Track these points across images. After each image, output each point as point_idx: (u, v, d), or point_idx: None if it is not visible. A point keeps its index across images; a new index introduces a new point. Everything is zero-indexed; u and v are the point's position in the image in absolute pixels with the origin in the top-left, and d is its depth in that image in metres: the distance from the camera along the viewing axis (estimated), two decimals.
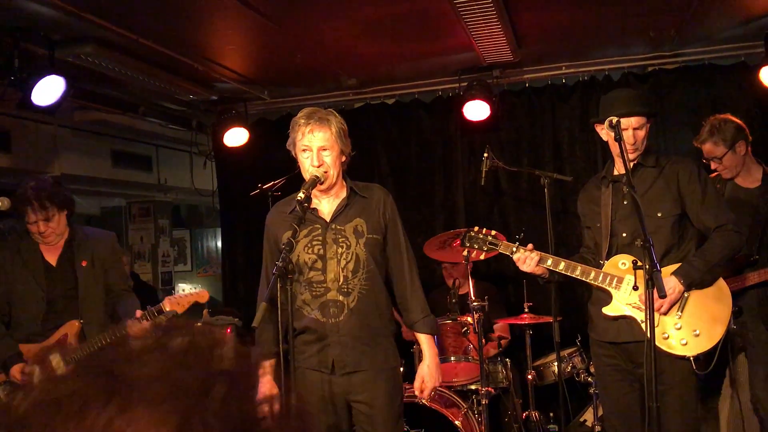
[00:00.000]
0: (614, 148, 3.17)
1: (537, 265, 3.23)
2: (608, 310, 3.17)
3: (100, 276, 3.73)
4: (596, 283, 3.18)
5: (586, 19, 4.53)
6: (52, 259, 3.68)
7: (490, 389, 4.15)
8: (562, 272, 3.19)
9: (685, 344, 3.03)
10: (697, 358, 3.03)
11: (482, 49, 4.78)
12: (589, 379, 4.45)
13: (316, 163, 2.88)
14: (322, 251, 2.93)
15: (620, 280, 3.14)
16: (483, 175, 4.70)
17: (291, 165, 5.20)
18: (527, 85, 5.53)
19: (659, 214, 3.14)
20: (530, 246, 3.30)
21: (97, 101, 5.44)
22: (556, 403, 4.44)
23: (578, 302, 5.33)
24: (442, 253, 4.56)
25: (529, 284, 4.62)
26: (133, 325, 3.54)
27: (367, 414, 2.90)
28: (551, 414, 4.84)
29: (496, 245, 3.38)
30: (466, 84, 5.30)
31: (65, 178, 6.34)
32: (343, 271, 2.90)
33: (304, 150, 2.92)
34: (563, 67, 5.40)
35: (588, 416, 4.67)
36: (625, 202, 3.22)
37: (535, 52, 5.11)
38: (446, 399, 4.25)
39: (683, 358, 3.04)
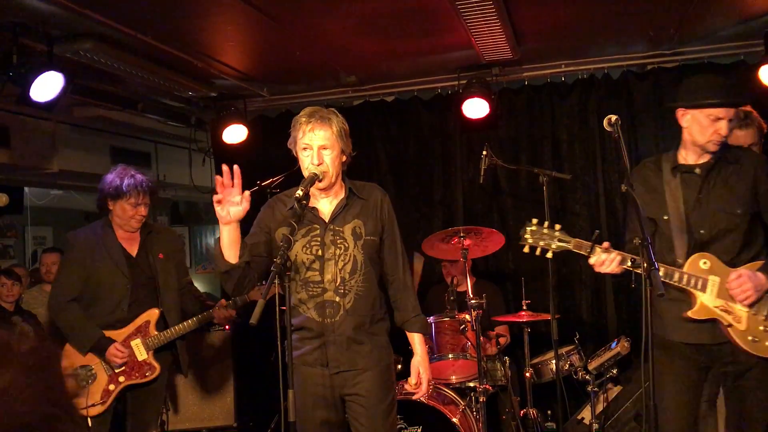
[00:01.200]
0: (702, 136, 3.02)
1: (618, 265, 3.00)
2: (694, 314, 3.02)
3: (173, 269, 3.99)
4: (680, 285, 3.02)
5: (586, 17, 4.53)
6: (132, 250, 3.89)
7: (487, 386, 4.16)
8: (639, 273, 2.91)
9: None
10: None
11: (481, 47, 4.77)
12: (586, 377, 4.46)
13: (316, 162, 2.88)
14: (320, 252, 2.95)
15: (705, 282, 3.01)
16: (482, 173, 4.70)
17: (290, 162, 5.19)
18: (526, 83, 5.53)
19: (739, 211, 3.02)
20: (606, 244, 3.03)
21: (96, 97, 5.43)
22: (554, 400, 4.45)
23: (576, 300, 5.35)
24: (441, 250, 4.56)
25: (527, 282, 4.62)
26: (219, 311, 3.95)
27: (361, 407, 2.94)
28: (549, 411, 4.85)
29: (567, 242, 3.06)
30: (465, 82, 5.29)
31: (64, 175, 6.36)
32: (340, 273, 2.94)
33: (304, 148, 2.92)
34: (563, 65, 5.39)
35: (585, 414, 4.68)
36: (700, 196, 3.05)
37: (534, 49, 5.10)
38: (444, 396, 4.25)
39: None
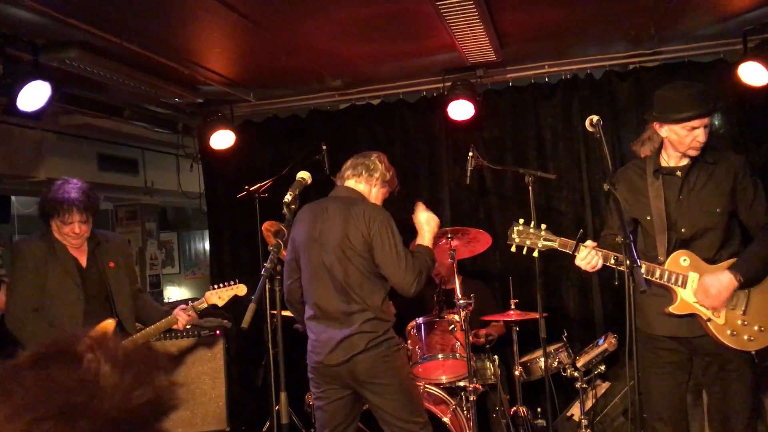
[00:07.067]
0: (682, 145, 3.14)
1: (602, 264, 3.13)
2: (675, 309, 3.14)
3: (125, 277, 3.91)
4: (662, 282, 3.13)
5: (568, 19, 4.58)
6: (82, 260, 3.78)
7: (477, 386, 4.20)
8: (623, 270, 3.00)
9: (752, 340, 3.11)
10: (758, 351, 3.17)
11: (465, 50, 4.82)
12: (575, 374, 4.51)
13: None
14: None
15: (685, 279, 3.12)
16: (468, 174, 4.74)
17: (276, 166, 5.24)
18: (510, 84, 5.58)
19: (717, 210, 3.14)
20: (592, 243, 3.16)
21: (83, 105, 5.43)
22: (544, 398, 4.50)
23: (563, 298, 5.40)
24: None
25: (515, 281, 4.67)
26: (180, 315, 3.92)
27: None
28: (539, 409, 4.89)
29: (553, 241, 3.20)
30: (450, 84, 5.33)
31: (51, 183, 6.34)
32: None
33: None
34: (546, 66, 5.45)
35: (575, 410, 4.73)
36: (681, 197, 3.18)
37: (517, 51, 5.15)
38: (435, 396, 4.29)
39: (748, 352, 3.14)
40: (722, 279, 3.07)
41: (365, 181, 3.60)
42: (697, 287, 3.11)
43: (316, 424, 3.53)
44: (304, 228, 3.51)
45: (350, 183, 3.60)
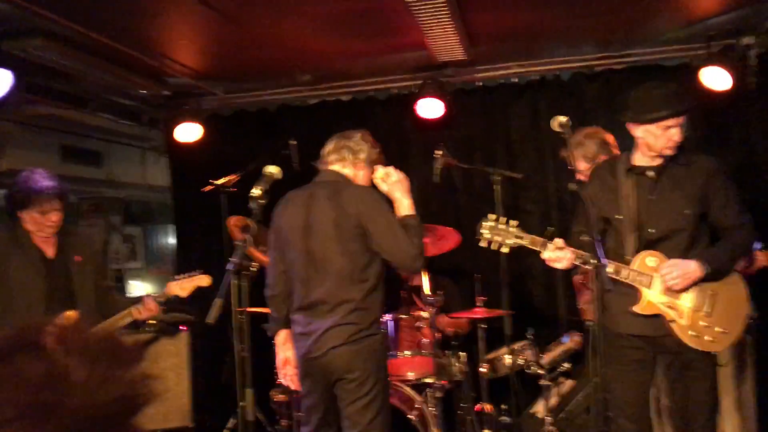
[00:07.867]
0: (657, 145, 3.14)
1: (570, 262, 3.12)
2: (640, 309, 3.16)
3: (91, 272, 3.83)
4: (627, 281, 3.14)
5: (537, 20, 4.62)
6: (49, 251, 3.70)
7: (444, 383, 4.21)
8: (589, 268, 3.01)
9: (713, 342, 3.15)
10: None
11: (435, 48, 4.83)
12: (539, 371, 4.54)
13: None
14: None
15: (651, 279, 3.14)
16: (436, 173, 4.75)
17: (244, 161, 5.19)
18: (480, 83, 5.61)
19: (687, 211, 3.16)
20: (560, 242, 3.13)
21: (46, 95, 5.31)
22: (508, 395, 4.53)
23: (530, 296, 5.45)
24: None
25: (481, 279, 4.69)
26: (139, 307, 3.83)
27: None
28: (503, 406, 4.93)
29: (522, 239, 3.17)
30: (420, 82, 5.34)
31: (12, 174, 6.19)
32: None
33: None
34: (514, 67, 5.48)
35: (539, 408, 4.77)
36: (651, 197, 3.19)
37: (487, 51, 5.18)
38: (400, 393, 4.29)
39: (710, 353, 3.19)
40: (689, 264, 3.11)
41: (351, 165, 3.43)
42: (665, 266, 3.12)
43: (302, 414, 3.42)
44: (290, 216, 3.36)
45: (335, 167, 3.44)
